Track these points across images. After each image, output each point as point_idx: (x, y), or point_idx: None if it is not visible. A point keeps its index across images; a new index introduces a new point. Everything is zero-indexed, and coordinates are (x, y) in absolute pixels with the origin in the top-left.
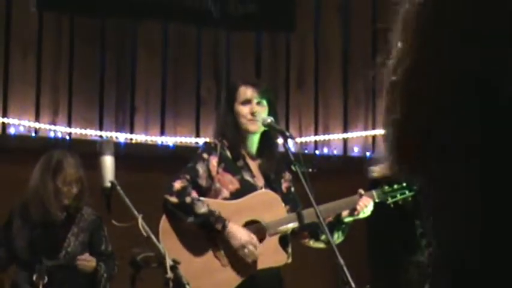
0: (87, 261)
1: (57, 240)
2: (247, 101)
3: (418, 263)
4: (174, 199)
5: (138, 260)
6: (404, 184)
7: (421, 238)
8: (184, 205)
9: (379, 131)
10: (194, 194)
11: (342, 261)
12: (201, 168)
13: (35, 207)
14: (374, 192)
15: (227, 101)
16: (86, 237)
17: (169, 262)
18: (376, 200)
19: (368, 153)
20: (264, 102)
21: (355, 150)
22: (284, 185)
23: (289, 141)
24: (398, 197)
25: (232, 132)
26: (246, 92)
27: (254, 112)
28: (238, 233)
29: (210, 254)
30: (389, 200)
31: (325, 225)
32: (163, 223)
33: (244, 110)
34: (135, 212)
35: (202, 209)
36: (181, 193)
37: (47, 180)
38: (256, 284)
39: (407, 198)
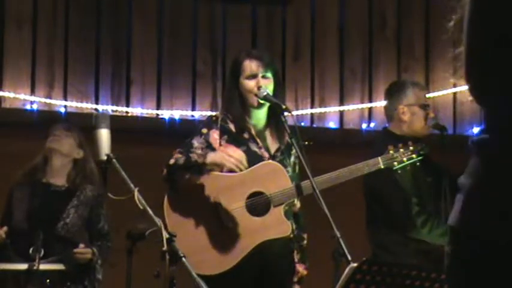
0: (83, 253)
1: (57, 211)
2: (253, 75)
3: (416, 239)
4: (164, 171)
5: (135, 232)
6: (411, 148)
7: (417, 217)
8: (170, 169)
9: (376, 104)
10: (178, 156)
11: (338, 234)
12: (196, 141)
13: (36, 174)
14: (380, 159)
15: (232, 76)
16: (85, 212)
17: (165, 235)
18: (382, 167)
19: (364, 126)
20: (269, 74)
21: (352, 123)
22: (292, 159)
23: (286, 114)
24: (405, 161)
25: (237, 107)
26: (251, 65)
27: (260, 86)
28: (215, 156)
29: (214, 228)
30: (396, 166)
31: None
32: (166, 201)
33: (250, 84)
34: (131, 185)
35: (181, 160)
36: (171, 166)
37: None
38: (266, 255)
39: (414, 163)
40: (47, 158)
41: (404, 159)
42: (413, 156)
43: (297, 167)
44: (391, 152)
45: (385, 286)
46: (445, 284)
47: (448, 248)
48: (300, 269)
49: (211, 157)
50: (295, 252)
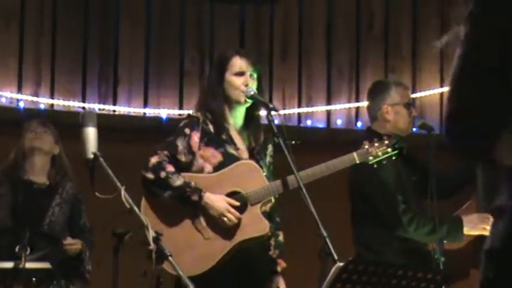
0: (72, 244)
1: (41, 209)
2: (242, 73)
3: (400, 238)
4: (149, 175)
5: (121, 231)
6: (386, 142)
7: (403, 215)
8: (159, 180)
9: (363, 103)
10: (170, 168)
11: (324, 233)
12: (180, 143)
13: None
14: (354, 154)
15: (217, 70)
16: (67, 210)
17: (151, 234)
18: (357, 161)
19: (351, 125)
20: (255, 75)
21: (339, 123)
22: (267, 159)
23: (273, 113)
24: (381, 155)
25: (219, 103)
26: (241, 63)
27: (248, 84)
28: (216, 202)
29: (192, 228)
30: (372, 160)
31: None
32: (144, 200)
33: (237, 81)
34: (118, 184)
35: (177, 182)
36: (157, 168)
37: (20, 144)
38: (244, 254)
39: (390, 157)
40: (25, 155)
41: (379, 153)
42: (388, 150)
43: (272, 167)
44: (366, 147)
45: (371, 285)
46: (431, 283)
47: (490, 274)
48: (282, 263)
49: (210, 202)
50: (273, 249)
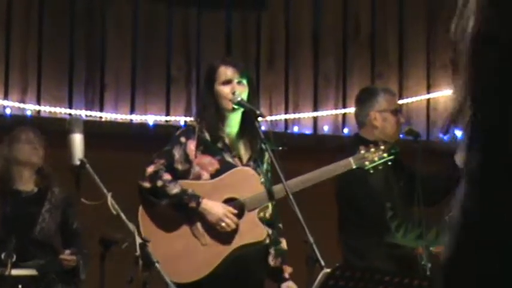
0: (68, 260)
1: (32, 216)
2: (228, 81)
3: (388, 244)
4: (146, 184)
5: (107, 238)
6: (382, 147)
7: (391, 221)
8: (156, 189)
9: (350, 110)
10: (166, 177)
11: (311, 239)
12: (177, 152)
13: (3, 182)
14: (351, 159)
15: (207, 82)
16: (58, 215)
17: (138, 240)
18: (354, 167)
19: (338, 132)
20: (244, 81)
21: (325, 129)
22: (265, 166)
23: (260, 119)
24: (377, 160)
25: (211, 113)
26: (227, 71)
27: (235, 92)
28: (213, 208)
29: (189, 235)
30: (368, 165)
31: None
32: (141, 208)
33: (225, 90)
34: (105, 190)
35: (174, 190)
36: (153, 177)
37: (4, 153)
38: (241, 261)
39: (386, 163)
40: (14, 165)
41: (376, 158)
42: (385, 155)
43: (269, 174)
44: (362, 152)
45: None
46: None
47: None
48: (288, 269)
49: (208, 208)
50: (273, 257)
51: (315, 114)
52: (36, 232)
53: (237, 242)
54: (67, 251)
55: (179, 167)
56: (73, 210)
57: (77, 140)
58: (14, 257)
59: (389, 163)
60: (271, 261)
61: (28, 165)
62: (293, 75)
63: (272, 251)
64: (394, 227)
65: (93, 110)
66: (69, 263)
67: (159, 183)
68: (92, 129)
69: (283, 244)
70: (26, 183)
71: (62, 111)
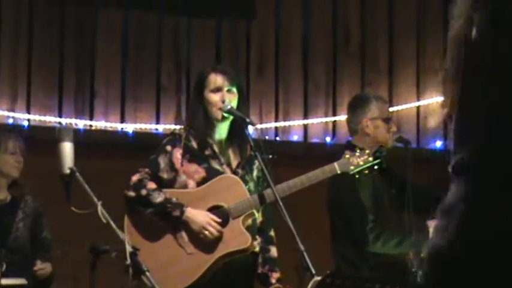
0: (43, 269)
1: (6, 225)
2: (218, 89)
3: (373, 253)
4: (131, 193)
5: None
6: (367, 151)
7: (370, 233)
8: (140, 198)
9: (340, 117)
10: (151, 185)
11: (302, 247)
12: (162, 161)
13: None
14: (335, 164)
15: (196, 89)
16: (29, 223)
17: (128, 249)
18: (338, 171)
19: (328, 140)
20: (234, 89)
21: (316, 137)
22: (255, 173)
23: (250, 127)
24: (362, 164)
25: (200, 120)
26: (217, 79)
27: (225, 100)
28: (197, 216)
29: (174, 244)
30: (353, 169)
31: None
32: (126, 218)
33: (214, 97)
34: (95, 199)
35: (158, 199)
36: (137, 186)
37: None
38: (228, 269)
39: (371, 167)
40: None
41: (361, 162)
42: (370, 159)
43: (260, 181)
44: (346, 156)
45: None
46: None
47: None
48: (274, 275)
49: (192, 216)
50: (260, 266)
51: (305, 122)
52: (10, 241)
53: (222, 249)
54: (38, 261)
55: (164, 175)
56: (44, 220)
57: (67, 148)
58: (4, 266)
59: (376, 167)
60: (259, 269)
61: (8, 177)
62: (283, 84)
63: (260, 258)
64: (372, 239)
65: (83, 119)
66: (43, 272)
67: (143, 192)
68: (81, 138)
69: (272, 252)
70: (1, 192)
71: (51, 119)
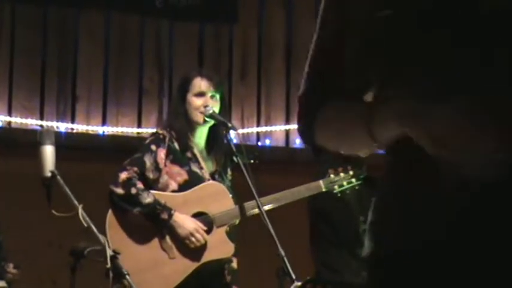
0: (14, 274)
1: None
2: (202, 94)
3: (360, 257)
4: (119, 190)
5: (78, 250)
6: (351, 173)
7: (363, 235)
8: (129, 196)
9: None
10: (140, 185)
11: (282, 252)
12: (148, 160)
13: None
14: (321, 182)
15: (180, 91)
16: None
17: (109, 252)
18: (324, 190)
19: None
20: (217, 96)
21: (297, 142)
22: (227, 183)
23: (231, 132)
24: (345, 185)
25: (181, 123)
26: (201, 84)
27: (207, 105)
28: (184, 222)
29: (157, 247)
30: (337, 189)
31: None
32: (110, 216)
33: (197, 101)
34: (76, 202)
35: (147, 199)
36: (127, 184)
37: None
38: (202, 275)
39: (354, 187)
40: None
41: (344, 183)
42: (353, 180)
43: (230, 190)
44: (331, 175)
45: None
46: None
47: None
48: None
49: (180, 221)
50: (227, 274)
51: (287, 127)
52: None
53: (205, 257)
54: (11, 264)
55: (150, 175)
56: None
57: (48, 151)
58: None
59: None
60: (225, 277)
61: None
62: (265, 88)
63: (226, 266)
64: (367, 240)
65: (65, 122)
66: (14, 277)
67: (133, 190)
68: (63, 141)
69: (234, 264)
70: None
71: (33, 122)
